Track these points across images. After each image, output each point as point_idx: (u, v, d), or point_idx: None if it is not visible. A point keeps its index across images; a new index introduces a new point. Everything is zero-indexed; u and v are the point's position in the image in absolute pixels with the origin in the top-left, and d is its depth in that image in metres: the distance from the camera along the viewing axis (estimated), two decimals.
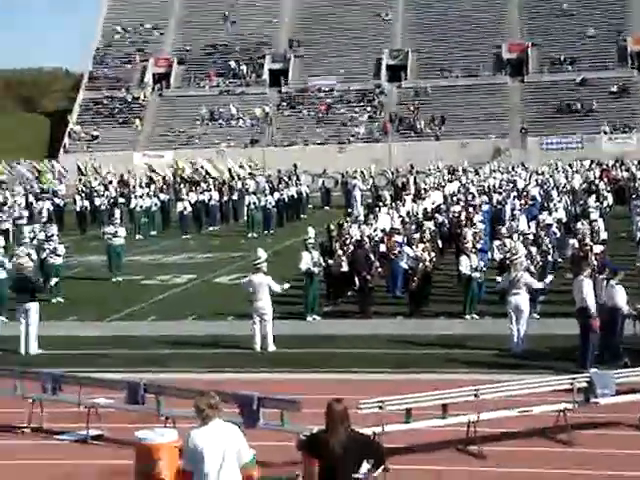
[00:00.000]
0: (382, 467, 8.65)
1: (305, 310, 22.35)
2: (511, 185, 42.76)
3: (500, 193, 38.30)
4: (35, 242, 28.23)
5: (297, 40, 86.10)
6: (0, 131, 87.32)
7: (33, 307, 19.98)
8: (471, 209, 31.15)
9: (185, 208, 40.56)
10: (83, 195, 44.92)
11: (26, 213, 40.80)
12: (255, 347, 19.37)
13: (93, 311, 24.38)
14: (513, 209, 32.38)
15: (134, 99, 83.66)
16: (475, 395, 13.10)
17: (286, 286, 20.15)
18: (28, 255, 24.17)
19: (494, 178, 47.55)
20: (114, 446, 13.49)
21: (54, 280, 23.78)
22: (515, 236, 24.39)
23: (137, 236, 39.20)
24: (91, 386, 14.54)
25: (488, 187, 41.96)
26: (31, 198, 46.74)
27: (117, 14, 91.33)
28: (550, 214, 29.41)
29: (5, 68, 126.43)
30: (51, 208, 43.09)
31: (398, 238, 25.69)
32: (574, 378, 13.70)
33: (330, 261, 23.72)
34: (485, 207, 34.14)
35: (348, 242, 24.30)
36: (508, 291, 18.96)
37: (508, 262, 20.01)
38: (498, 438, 13.19)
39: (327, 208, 49.16)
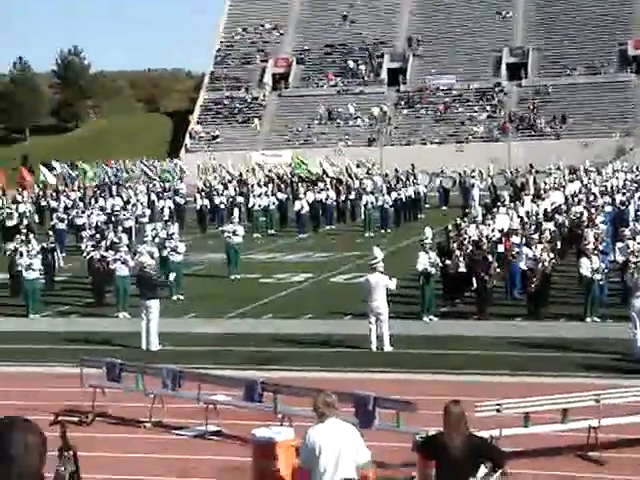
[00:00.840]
0: (500, 471, 8.53)
1: (421, 310, 22.23)
2: (635, 185, 41.66)
3: (624, 193, 37.37)
4: (157, 240, 28.83)
5: (416, 39, 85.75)
6: (124, 131, 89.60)
7: (154, 304, 20.39)
8: (593, 210, 30.48)
9: (302, 207, 40.81)
10: (203, 194, 45.63)
11: (148, 211, 41.69)
12: (371, 347, 19.35)
13: (212, 308, 24.74)
14: (637, 210, 31.52)
15: (253, 99, 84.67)
16: (596, 400, 12.80)
17: (393, 283, 19.84)
18: (150, 253, 24.73)
19: (617, 178, 46.41)
20: (231, 442, 13.66)
21: (172, 275, 24.18)
22: (639, 238, 23.76)
23: (255, 234, 39.64)
24: (210, 383, 14.75)
25: (611, 187, 40.99)
26: (153, 196, 47.75)
27: (238, 15, 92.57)
28: None
29: (131, 69, 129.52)
30: (172, 206, 43.89)
31: (516, 239, 25.32)
32: None
33: (447, 261, 23.54)
34: (608, 208, 33.36)
35: (466, 242, 24.08)
36: (631, 294, 18.47)
37: (632, 264, 19.51)
38: (620, 445, 12.85)
39: (445, 208, 48.78)
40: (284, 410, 13.42)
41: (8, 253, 27.89)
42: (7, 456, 3.16)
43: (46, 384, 17.54)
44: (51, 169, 58.25)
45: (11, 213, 40.73)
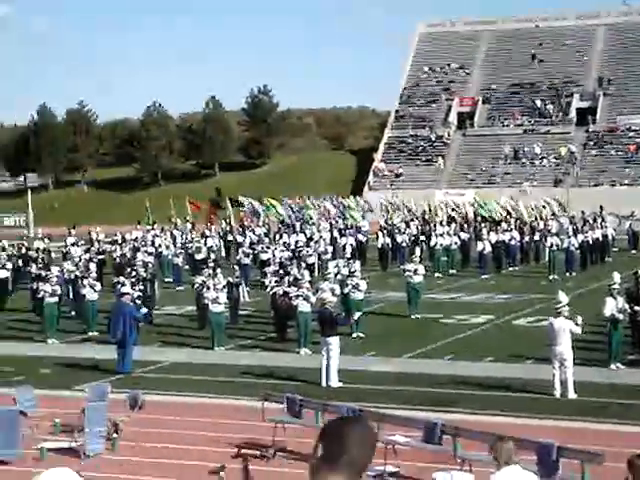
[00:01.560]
0: None
1: (608, 357, 21.48)
2: None
3: None
4: (339, 277, 29.07)
5: (607, 78, 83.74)
6: (309, 167, 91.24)
7: (334, 341, 20.54)
8: None
9: (485, 247, 40.33)
10: (385, 232, 45.77)
11: (331, 248, 42.18)
12: (554, 393, 18.85)
13: (391, 347, 24.70)
14: None
15: (438, 138, 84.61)
16: None
17: (579, 328, 19.27)
18: (331, 290, 24.96)
19: None
20: None
21: (357, 314, 24.34)
22: None
23: (436, 274, 39.42)
24: (389, 423, 14.68)
25: None
26: (336, 233, 48.29)
27: (425, 54, 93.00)
28: None
29: (317, 107, 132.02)
30: (354, 244, 44.25)
31: None
32: None
33: (636, 308, 22.68)
34: None
35: None
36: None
37: None
38: None
39: (634, 252, 47.17)
40: (464, 454, 13.20)
41: (196, 286, 28.74)
42: (342, 447, 3.61)
43: (228, 416, 17.91)
44: (239, 205, 59.82)
45: (200, 247, 42.03)
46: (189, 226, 51.64)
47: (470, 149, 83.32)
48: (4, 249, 39.85)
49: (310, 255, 39.34)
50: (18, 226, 74.73)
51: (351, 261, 31.49)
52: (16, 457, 15.34)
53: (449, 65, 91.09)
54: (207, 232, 47.56)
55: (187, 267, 41.05)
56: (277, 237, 46.75)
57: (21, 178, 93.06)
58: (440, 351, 24.11)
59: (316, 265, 39.23)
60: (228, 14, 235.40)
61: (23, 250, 40.84)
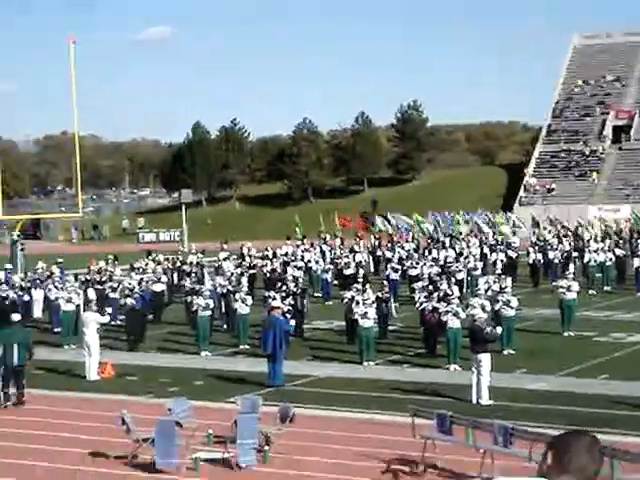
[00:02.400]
0: None
1: None
2: None
3: None
4: (489, 293, 28.70)
5: None
6: (459, 182, 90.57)
7: (485, 358, 20.29)
8: None
9: None
10: (537, 248, 44.95)
11: (480, 264, 41.71)
12: None
13: (543, 365, 24.21)
14: None
15: (592, 152, 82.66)
16: None
17: None
18: (482, 306, 24.64)
19: None
20: None
21: (499, 329, 23.91)
22: None
23: (590, 291, 38.45)
24: (543, 442, 14.37)
25: None
26: (486, 249, 47.71)
27: (578, 68, 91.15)
28: None
29: (466, 122, 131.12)
30: (505, 260, 43.63)
31: None
32: None
33: None
34: None
35: None
36: None
37: None
38: None
39: None
40: (623, 477, 12.79)
41: (345, 301, 28.88)
42: (571, 454, 3.94)
43: (377, 431, 17.90)
44: (387, 220, 59.87)
45: (348, 262, 42.23)
46: (338, 241, 51.97)
47: (626, 163, 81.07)
48: (159, 263, 41.00)
49: (460, 271, 39.00)
50: (173, 241, 76.84)
51: (502, 277, 31.04)
52: (172, 466, 15.72)
53: (604, 77, 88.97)
54: (356, 247, 47.75)
55: (336, 282, 41.30)
56: (426, 253, 46.51)
57: (176, 194, 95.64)
58: (594, 370, 23.49)
59: (465, 281, 38.83)
60: (378, 29, 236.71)
61: (178, 264, 41.93)
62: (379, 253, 48.92)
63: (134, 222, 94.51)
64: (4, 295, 33.21)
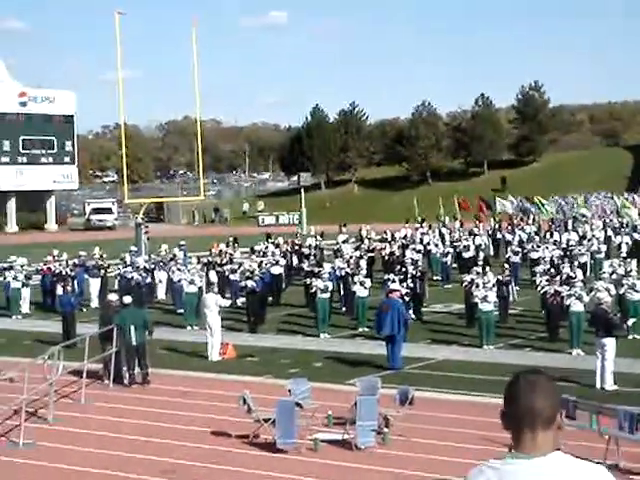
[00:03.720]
0: None
1: None
2: None
3: None
4: (614, 277, 28.04)
5: None
6: (582, 164, 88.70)
7: (609, 342, 19.83)
8: None
9: None
10: None
11: (604, 247, 40.77)
12: None
13: None
14: None
15: None
16: None
17: None
18: (607, 290, 24.10)
19: None
20: None
21: (631, 321, 23.35)
22: None
23: None
24: None
25: None
26: (610, 232, 46.63)
27: None
28: None
29: (591, 102, 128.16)
30: (630, 243, 42.56)
31: None
32: None
33: None
34: None
35: None
36: None
37: None
38: None
39: None
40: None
41: (464, 284, 28.63)
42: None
43: (497, 415, 17.65)
44: (507, 202, 59.11)
45: (468, 245, 41.83)
46: (457, 224, 51.53)
47: None
48: (278, 246, 41.37)
49: (583, 254, 38.20)
50: (292, 224, 77.47)
51: (627, 260, 30.26)
52: (293, 447, 15.86)
53: None
54: (475, 230, 47.26)
55: (455, 265, 40.97)
56: (547, 235, 45.74)
57: (295, 178, 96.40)
58: None
59: (588, 264, 38.03)
60: (498, 9, 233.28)
61: (297, 247, 42.23)
62: (499, 236, 48.31)
63: (254, 205, 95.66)
64: (129, 277, 34.02)
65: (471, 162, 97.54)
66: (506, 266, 31.53)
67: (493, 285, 26.34)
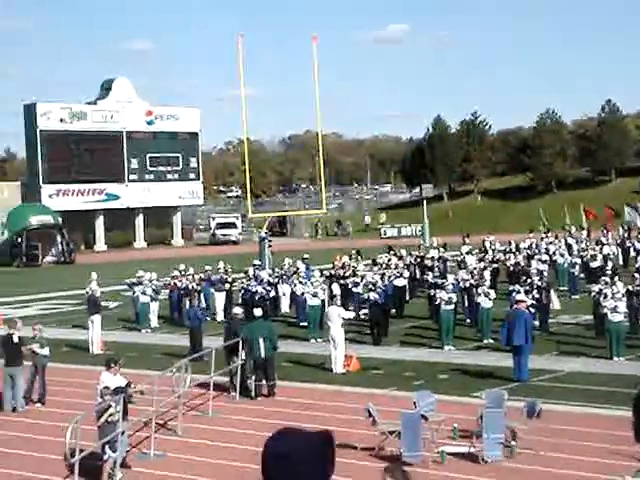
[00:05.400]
0: None
1: None
2: None
3: None
4: None
5: None
6: None
7: None
8: None
9: None
10: None
11: None
12: None
13: None
14: None
15: None
16: None
17: None
18: None
19: None
20: None
21: None
22: None
23: None
24: None
25: None
26: None
27: None
28: None
29: None
30: None
31: None
32: None
33: None
34: None
35: None
36: None
37: None
38: None
39: None
40: None
41: (593, 295, 28.01)
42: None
43: (628, 428, 17.18)
44: (636, 210, 57.68)
45: (595, 255, 40.93)
46: (584, 233, 50.48)
47: None
48: (401, 258, 41.25)
49: None
50: (414, 236, 77.18)
51: None
52: (419, 460, 15.76)
53: None
54: (603, 239, 46.20)
55: (582, 275, 40.13)
56: None
57: (417, 189, 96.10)
58: None
59: None
60: (621, 14, 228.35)
61: (419, 259, 42.01)
62: (628, 244, 47.10)
63: (376, 218, 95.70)
64: (253, 290, 34.43)
65: (597, 170, 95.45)
66: (636, 276, 30.69)
67: (623, 295, 25.70)
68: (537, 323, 27.23)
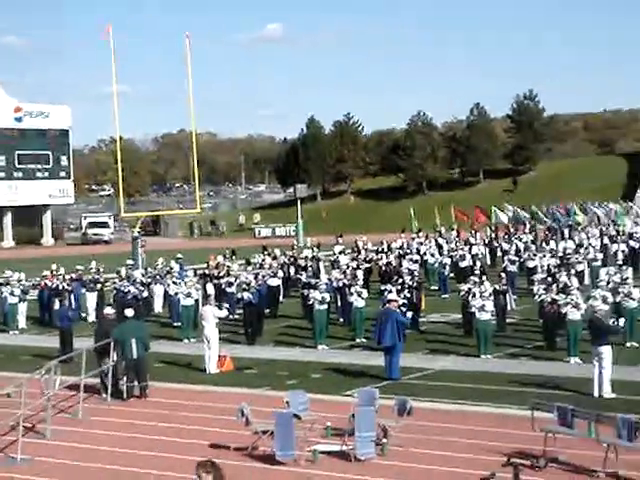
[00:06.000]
0: None
1: None
2: None
3: None
4: (610, 285, 28.05)
5: None
6: (577, 172, 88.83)
7: (606, 350, 19.83)
8: None
9: None
10: None
11: (601, 255, 40.76)
12: None
13: None
14: None
15: None
16: None
17: None
18: (603, 298, 24.13)
19: None
20: None
21: (622, 321, 23.30)
22: None
23: None
24: None
25: None
26: (606, 240, 46.63)
27: None
28: None
29: (585, 111, 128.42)
30: (626, 250, 42.62)
31: None
32: None
33: None
34: None
35: None
36: None
37: None
38: None
39: None
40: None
41: (462, 294, 28.63)
42: None
43: (496, 425, 17.69)
44: (503, 211, 59.18)
45: (464, 255, 41.83)
46: (454, 234, 51.54)
47: None
48: (275, 258, 41.35)
49: (579, 262, 38.21)
50: (288, 236, 77.45)
51: (623, 268, 30.27)
52: (292, 459, 15.83)
53: None
54: (472, 240, 47.26)
55: (452, 275, 40.97)
56: (544, 244, 45.76)
57: (291, 189, 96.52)
58: None
59: (585, 272, 38.04)
60: (490, 18, 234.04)
61: (293, 259, 42.19)
62: (496, 245, 48.32)
63: (250, 217, 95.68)
64: (125, 290, 33.99)
65: (467, 172, 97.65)
66: (503, 275, 31.51)
67: (490, 294, 26.35)
68: (409, 322, 27.64)
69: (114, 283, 35.97)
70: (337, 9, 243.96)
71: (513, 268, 38.16)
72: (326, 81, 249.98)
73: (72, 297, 34.99)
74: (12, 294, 33.98)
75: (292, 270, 40.89)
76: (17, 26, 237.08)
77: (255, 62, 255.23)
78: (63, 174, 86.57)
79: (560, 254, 40.21)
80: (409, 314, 25.99)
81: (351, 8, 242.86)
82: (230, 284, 34.55)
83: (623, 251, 41.95)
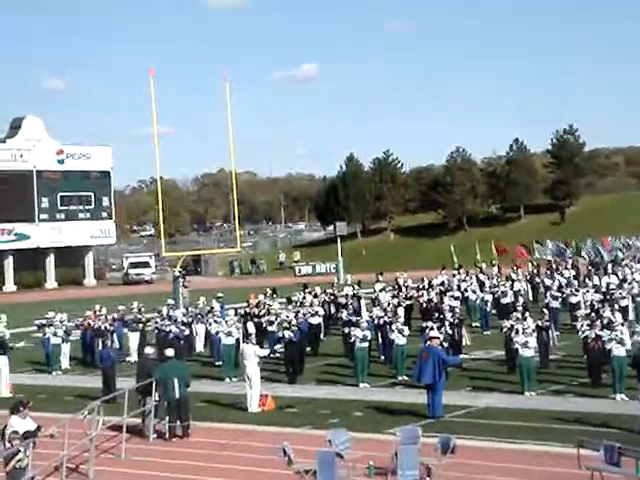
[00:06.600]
0: None
1: None
2: None
3: None
4: None
5: None
6: (619, 207, 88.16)
7: None
8: None
9: None
10: None
11: None
12: None
13: None
14: None
15: None
16: None
17: None
18: None
19: None
20: None
21: None
22: None
23: None
24: None
25: None
26: None
27: None
28: None
29: (627, 145, 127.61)
30: None
31: None
32: None
33: None
34: None
35: None
36: None
37: None
38: None
39: None
40: None
41: (504, 330, 28.41)
42: None
43: (541, 463, 17.46)
44: (545, 246, 58.81)
45: (506, 291, 41.54)
46: (495, 270, 51.24)
47: None
48: (316, 296, 41.30)
49: (623, 297, 37.79)
50: (328, 273, 77.43)
51: None
52: None
53: None
54: (513, 276, 46.95)
55: (494, 311, 40.68)
56: (586, 279, 45.34)
57: (331, 227, 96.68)
58: None
59: (630, 307, 37.60)
60: (530, 54, 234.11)
61: (334, 296, 42.10)
62: (538, 281, 47.93)
63: (290, 256, 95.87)
64: (167, 330, 34.10)
65: (507, 207, 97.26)
66: (545, 311, 31.24)
67: (533, 331, 26.10)
68: (460, 361, 27.45)
69: (156, 323, 36.11)
70: (370, 44, 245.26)
71: (556, 304, 37.81)
72: (364, 119, 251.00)
73: (114, 337, 35.17)
74: (55, 335, 34.22)
75: (333, 308, 40.81)
76: (57, 68, 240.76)
77: (291, 101, 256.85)
78: (105, 215, 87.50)
79: (603, 289, 39.80)
80: (461, 356, 25.78)
81: (385, 44, 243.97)
82: (271, 322, 34.54)
83: None
